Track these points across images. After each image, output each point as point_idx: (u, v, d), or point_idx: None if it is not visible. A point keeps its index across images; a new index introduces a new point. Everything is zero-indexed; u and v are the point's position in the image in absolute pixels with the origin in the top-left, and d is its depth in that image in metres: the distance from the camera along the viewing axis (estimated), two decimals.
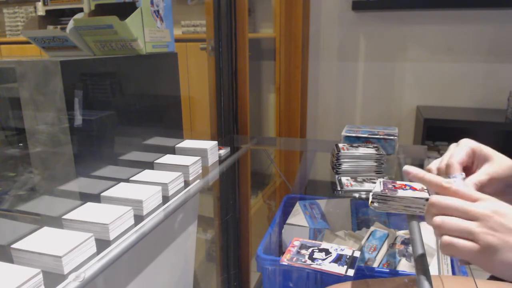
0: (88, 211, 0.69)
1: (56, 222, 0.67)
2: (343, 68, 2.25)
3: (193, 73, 2.05)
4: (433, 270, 1.01)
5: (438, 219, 0.51)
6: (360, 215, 1.39)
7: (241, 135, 1.56)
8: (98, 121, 0.78)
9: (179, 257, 1.02)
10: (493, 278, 0.67)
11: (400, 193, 0.76)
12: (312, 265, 0.89)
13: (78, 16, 0.87)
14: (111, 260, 0.61)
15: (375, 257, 1.11)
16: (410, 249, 1.11)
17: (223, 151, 1.16)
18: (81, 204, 0.72)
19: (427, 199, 0.75)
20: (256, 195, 2.14)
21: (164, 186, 0.83)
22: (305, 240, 1.00)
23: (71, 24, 0.85)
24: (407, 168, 0.61)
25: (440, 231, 0.51)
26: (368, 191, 1.01)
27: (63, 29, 0.87)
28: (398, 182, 0.85)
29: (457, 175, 0.61)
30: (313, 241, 1.00)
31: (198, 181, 0.93)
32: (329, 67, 2.28)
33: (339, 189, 1.06)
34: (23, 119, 0.71)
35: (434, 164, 0.66)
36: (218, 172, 1.05)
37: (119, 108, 0.84)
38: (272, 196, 2.18)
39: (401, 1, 2.01)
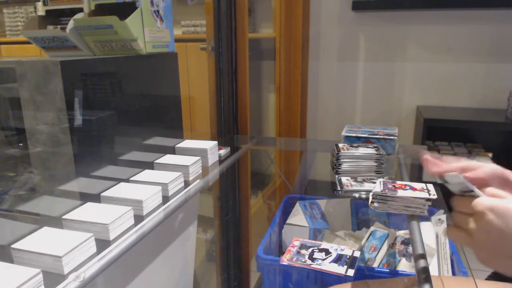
0: (88, 211, 0.69)
1: (56, 222, 0.67)
2: (343, 68, 2.25)
3: (193, 73, 2.05)
4: (433, 270, 1.01)
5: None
6: (360, 215, 1.39)
7: (241, 135, 1.55)
8: (98, 121, 0.78)
9: (179, 257, 1.02)
10: (492, 278, 0.67)
11: (400, 193, 0.76)
12: (312, 265, 0.89)
13: (78, 16, 0.87)
14: (111, 260, 0.61)
15: (375, 257, 1.11)
16: (410, 249, 1.11)
17: (223, 151, 1.16)
18: (81, 204, 0.72)
19: (427, 199, 0.75)
20: (256, 195, 2.14)
21: (164, 186, 0.83)
22: (305, 240, 1.00)
23: (71, 24, 0.85)
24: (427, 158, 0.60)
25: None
26: (368, 191, 1.01)
27: (63, 29, 0.87)
28: (398, 182, 0.85)
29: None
30: (313, 241, 1.00)
31: (198, 181, 0.93)
32: (329, 67, 2.27)
33: (339, 189, 1.06)
34: (23, 119, 0.71)
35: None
36: (218, 172, 1.05)
37: (119, 108, 0.84)
38: (272, 196, 2.18)
39: (401, 1, 2.01)
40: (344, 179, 1.10)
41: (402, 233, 1.17)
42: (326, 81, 2.30)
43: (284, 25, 1.99)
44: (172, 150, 1.05)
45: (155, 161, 0.95)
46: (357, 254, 0.92)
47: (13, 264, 0.57)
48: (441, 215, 0.96)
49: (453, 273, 1.02)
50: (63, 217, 0.67)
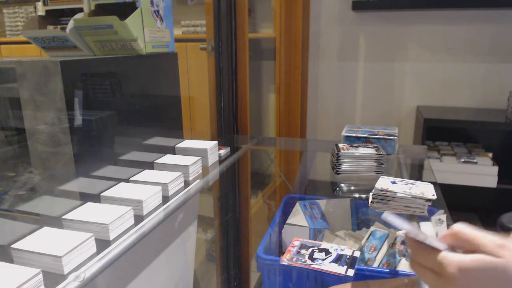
0: (88, 211, 0.69)
1: (56, 222, 0.67)
2: (343, 68, 2.25)
3: (193, 73, 2.05)
4: None
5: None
6: (360, 215, 1.39)
7: (241, 135, 1.56)
8: (98, 121, 0.78)
9: (179, 257, 1.02)
10: None
11: (400, 193, 0.76)
12: (312, 265, 0.89)
13: (78, 16, 0.87)
14: (111, 260, 0.61)
15: (375, 257, 1.11)
16: None
17: (223, 151, 1.16)
18: (81, 204, 0.72)
19: (427, 199, 0.75)
20: (256, 195, 2.14)
21: (164, 186, 0.83)
22: (305, 240, 1.00)
23: (71, 24, 0.85)
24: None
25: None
26: (368, 190, 1.01)
27: (63, 29, 0.87)
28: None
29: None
30: (313, 241, 1.00)
31: (198, 181, 0.93)
32: (329, 67, 2.27)
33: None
34: (23, 119, 0.71)
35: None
36: (218, 172, 1.05)
37: (119, 108, 0.84)
38: (272, 196, 2.18)
39: (401, 1, 2.01)
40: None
41: (402, 233, 1.17)
42: (326, 81, 2.30)
43: (284, 25, 1.99)
44: (172, 150, 1.05)
45: (155, 161, 0.95)
46: (357, 254, 0.92)
47: (13, 264, 0.57)
48: (441, 215, 0.96)
49: None
50: (63, 217, 0.67)
